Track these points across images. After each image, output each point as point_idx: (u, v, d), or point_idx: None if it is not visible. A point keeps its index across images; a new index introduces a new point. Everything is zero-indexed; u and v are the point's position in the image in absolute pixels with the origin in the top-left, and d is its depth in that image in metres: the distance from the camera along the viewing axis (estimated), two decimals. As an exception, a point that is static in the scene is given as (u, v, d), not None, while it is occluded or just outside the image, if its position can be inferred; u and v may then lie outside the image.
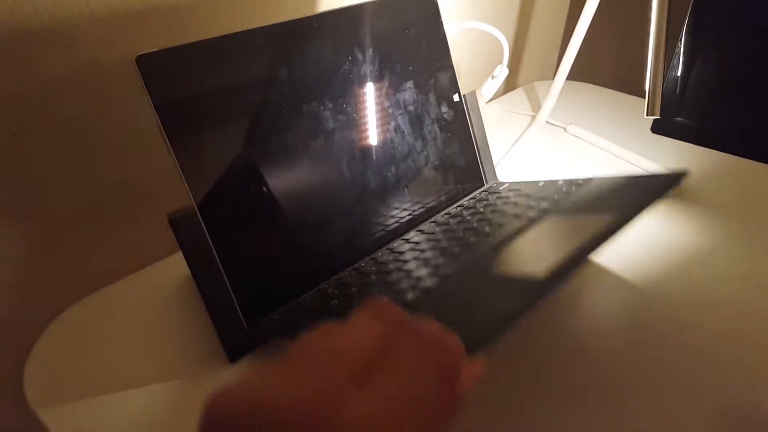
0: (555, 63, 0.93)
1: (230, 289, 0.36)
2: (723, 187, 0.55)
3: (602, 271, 0.45)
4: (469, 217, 0.46)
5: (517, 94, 0.78)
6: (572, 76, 0.65)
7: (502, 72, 0.64)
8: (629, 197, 0.39)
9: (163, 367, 0.37)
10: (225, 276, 0.36)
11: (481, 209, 0.47)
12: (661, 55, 0.43)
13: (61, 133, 0.41)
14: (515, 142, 0.63)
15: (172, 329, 0.40)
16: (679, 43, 0.43)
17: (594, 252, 0.30)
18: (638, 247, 0.47)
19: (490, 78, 0.65)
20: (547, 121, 0.67)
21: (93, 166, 0.43)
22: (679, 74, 0.44)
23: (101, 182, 0.44)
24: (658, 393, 0.35)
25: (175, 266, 0.46)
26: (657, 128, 0.47)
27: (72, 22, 0.38)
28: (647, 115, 0.45)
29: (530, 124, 0.67)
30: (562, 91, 0.68)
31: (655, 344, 0.38)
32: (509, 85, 0.88)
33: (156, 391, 0.35)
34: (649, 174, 0.47)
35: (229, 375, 0.36)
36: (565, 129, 0.66)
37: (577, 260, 0.29)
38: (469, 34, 0.70)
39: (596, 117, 0.68)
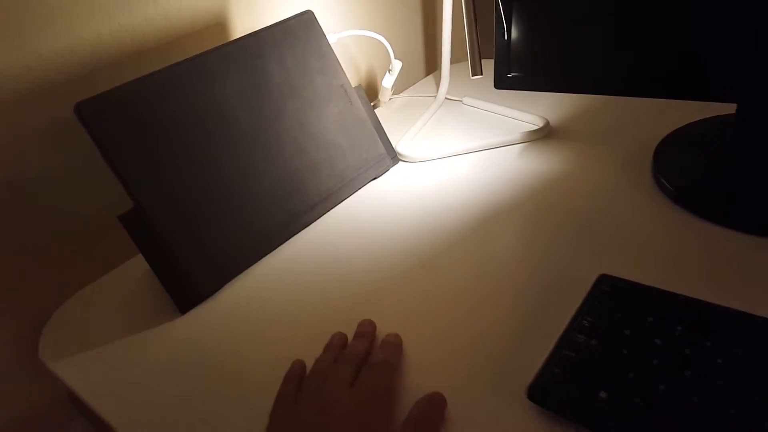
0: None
1: (177, 260, 0.48)
2: (579, 124, 0.67)
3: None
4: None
5: (427, 81, 0.90)
6: (462, 57, 0.77)
7: (395, 65, 0.75)
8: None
9: (141, 325, 0.48)
10: (170, 252, 0.48)
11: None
12: (473, 25, 0.55)
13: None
14: (422, 119, 0.74)
15: (147, 306, 0.51)
16: (498, 9, 0.55)
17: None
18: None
19: (387, 72, 0.76)
20: (446, 98, 0.79)
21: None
22: (505, 36, 0.56)
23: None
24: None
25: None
26: (498, 84, 0.58)
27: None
28: (472, 77, 0.57)
29: (433, 102, 0.78)
30: (456, 70, 0.79)
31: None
32: (430, 72, 1.00)
33: (136, 340, 0.47)
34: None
35: (181, 323, 0.48)
36: (461, 101, 0.78)
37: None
38: (364, 41, 0.82)
39: (485, 88, 0.79)
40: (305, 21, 0.60)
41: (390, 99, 0.82)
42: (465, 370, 0.39)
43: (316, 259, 0.53)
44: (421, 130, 0.73)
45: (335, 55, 0.62)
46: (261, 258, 0.54)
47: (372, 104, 0.84)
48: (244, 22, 0.67)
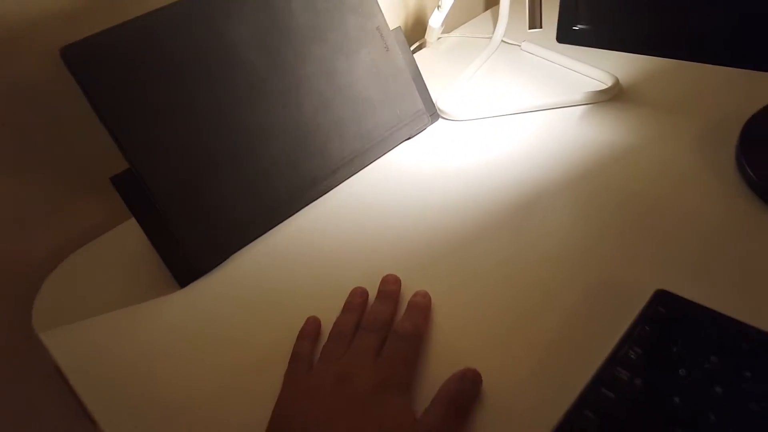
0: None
1: (175, 230, 0.44)
2: (653, 88, 0.56)
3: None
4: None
5: (484, 17, 0.79)
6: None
7: (445, 1, 0.65)
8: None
9: (136, 297, 0.45)
10: (167, 221, 0.43)
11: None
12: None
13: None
14: (471, 67, 0.65)
15: (142, 271, 0.48)
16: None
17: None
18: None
19: (436, 9, 0.67)
20: (503, 41, 0.69)
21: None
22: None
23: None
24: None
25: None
26: (561, 37, 0.48)
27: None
28: (529, 29, 0.47)
29: (486, 45, 0.68)
30: (518, 11, 0.68)
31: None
32: (490, 6, 0.88)
33: (131, 311, 0.44)
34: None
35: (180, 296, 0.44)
36: (520, 46, 0.68)
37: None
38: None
39: (548, 33, 0.68)
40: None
41: (439, 39, 0.73)
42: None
43: (334, 229, 0.47)
44: (469, 80, 0.64)
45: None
46: (273, 227, 0.49)
47: (418, 44, 0.74)
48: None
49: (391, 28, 0.54)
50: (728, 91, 0.54)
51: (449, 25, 0.77)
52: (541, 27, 0.47)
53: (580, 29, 0.48)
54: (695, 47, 0.44)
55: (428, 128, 0.58)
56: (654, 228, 0.42)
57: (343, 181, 0.53)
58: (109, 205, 0.56)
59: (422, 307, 0.38)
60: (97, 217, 0.55)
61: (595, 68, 0.59)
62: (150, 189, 0.43)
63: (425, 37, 0.72)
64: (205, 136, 0.45)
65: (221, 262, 0.46)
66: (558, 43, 0.51)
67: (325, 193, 0.52)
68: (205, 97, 0.44)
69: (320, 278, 0.43)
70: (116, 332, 0.42)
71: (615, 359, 0.32)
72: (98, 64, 0.40)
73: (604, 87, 0.56)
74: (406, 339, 0.35)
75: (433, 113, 0.58)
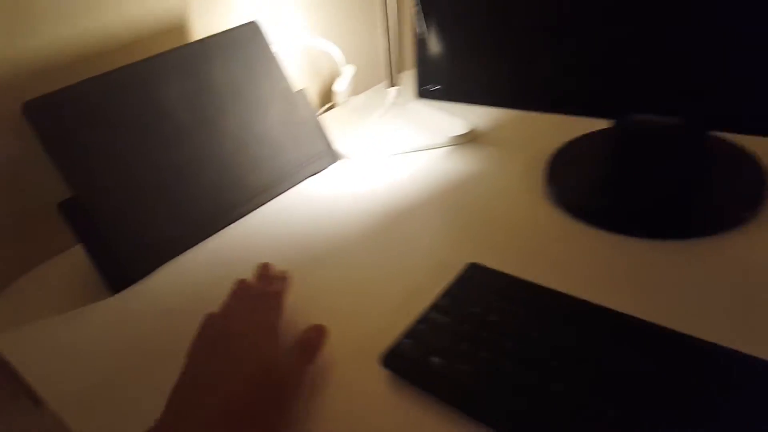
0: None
1: (108, 243, 0.56)
2: (499, 131, 0.74)
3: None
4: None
5: (383, 85, 0.97)
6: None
7: (345, 71, 0.83)
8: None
9: (76, 306, 0.56)
10: (102, 235, 0.55)
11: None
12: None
13: None
14: (368, 121, 0.81)
15: (84, 289, 0.59)
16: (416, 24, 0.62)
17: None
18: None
19: (339, 77, 0.84)
20: (394, 102, 0.86)
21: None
22: (425, 52, 0.63)
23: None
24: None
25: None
26: (420, 95, 0.65)
27: None
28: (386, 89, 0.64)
29: (381, 106, 0.85)
30: (407, 77, 0.86)
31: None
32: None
33: (70, 317, 0.54)
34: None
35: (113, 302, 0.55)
36: (406, 105, 0.85)
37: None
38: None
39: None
40: (251, 30, 0.67)
41: (345, 101, 0.89)
42: (340, 341, 0.46)
43: (246, 248, 0.60)
44: (365, 130, 0.80)
45: (279, 62, 0.69)
46: (194, 245, 0.61)
47: (330, 105, 0.91)
48: (204, 26, 0.74)
49: (296, 90, 0.70)
50: (547, 130, 0.71)
51: (358, 89, 0.94)
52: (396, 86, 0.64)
53: (433, 89, 0.65)
54: (520, 99, 0.62)
55: (331, 167, 0.73)
56: (483, 228, 0.57)
57: (258, 207, 0.66)
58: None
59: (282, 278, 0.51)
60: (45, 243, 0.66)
61: (460, 119, 0.76)
62: (90, 212, 0.55)
63: (333, 99, 0.89)
64: (140, 171, 0.58)
65: (150, 272, 0.58)
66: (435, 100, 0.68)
67: (243, 216, 0.65)
68: (140, 142, 0.58)
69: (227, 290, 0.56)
70: (56, 331, 0.53)
71: (430, 307, 0.45)
72: (51, 115, 0.54)
73: (463, 133, 0.73)
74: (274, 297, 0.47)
75: (334, 155, 0.73)
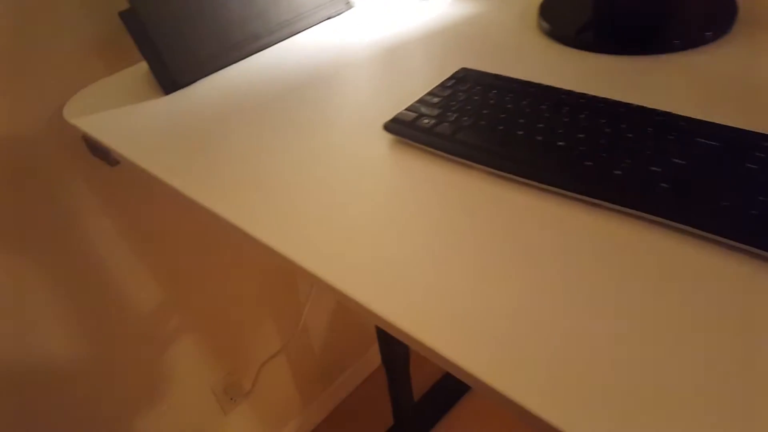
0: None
1: (162, 52, 0.64)
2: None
3: (399, 35, 0.70)
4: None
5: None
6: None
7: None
8: None
9: (134, 98, 0.65)
10: (157, 45, 0.64)
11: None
12: None
13: None
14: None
15: (145, 88, 0.68)
16: None
17: None
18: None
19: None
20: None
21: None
22: None
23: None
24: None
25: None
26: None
27: None
28: None
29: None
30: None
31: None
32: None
33: (129, 107, 0.64)
34: None
35: (163, 101, 0.64)
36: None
37: None
38: None
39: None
40: None
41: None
42: (336, 110, 0.55)
43: (266, 75, 0.68)
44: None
45: None
46: (225, 66, 0.70)
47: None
48: None
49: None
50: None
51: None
52: None
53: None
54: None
55: (345, 13, 0.79)
56: (478, 59, 0.64)
57: (277, 43, 0.73)
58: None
59: None
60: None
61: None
62: (144, 24, 0.63)
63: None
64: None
65: (194, 81, 0.67)
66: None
67: (264, 49, 0.72)
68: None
69: (257, 103, 0.64)
70: (126, 115, 0.63)
71: (431, 92, 0.54)
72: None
73: (468, -19, 0.78)
74: None
75: (347, 2, 0.80)
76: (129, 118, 0.62)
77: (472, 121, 0.49)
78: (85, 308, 0.89)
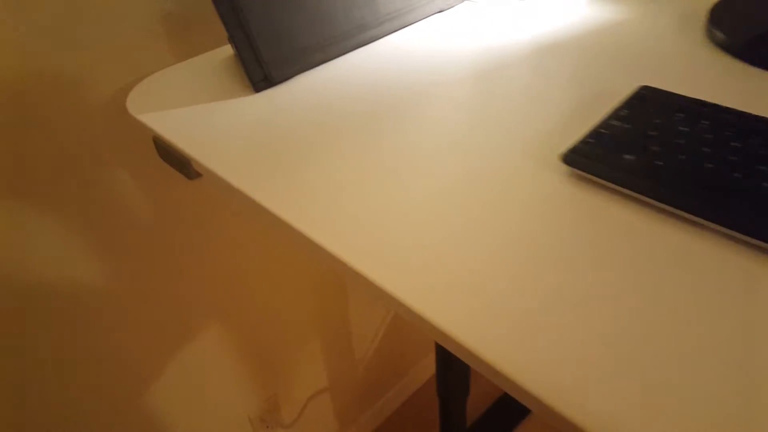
0: None
1: (256, 39, 0.53)
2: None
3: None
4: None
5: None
6: None
7: None
8: None
9: (214, 96, 0.54)
10: (250, 31, 0.53)
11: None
12: None
13: None
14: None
15: (228, 81, 0.57)
16: None
17: None
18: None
19: None
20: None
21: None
22: None
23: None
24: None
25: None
26: None
27: None
28: None
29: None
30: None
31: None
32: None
33: (210, 106, 0.53)
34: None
35: (255, 99, 0.53)
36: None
37: None
38: None
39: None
40: None
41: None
42: (504, 139, 0.43)
43: (371, 74, 0.57)
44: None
45: None
46: (326, 61, 0.58)
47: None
48: None
49: None
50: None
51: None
52: None
53: None
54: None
55: (458, 6, 0.68)
56: (642, 65, 0.52)
57: (386, 36, 0.62)
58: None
59: None
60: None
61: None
62: (243, 10, 0.52)
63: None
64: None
65: (290, 78, 0.56)
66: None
67: (371, 42, 0.61)
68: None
69: (358, 103, 0.53)
70: (200, 115, 0.52)
71: (609, 117, 0.42)
72: None
73: (606, -21, 0.66)
74: None
75: (461, -6, 0.68)
76: (212, 122, 0.51)
77: (672, 155, 0.38)
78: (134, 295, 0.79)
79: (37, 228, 0.64)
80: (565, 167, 0.40)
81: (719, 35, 0.54)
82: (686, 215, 0.35)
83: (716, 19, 0.56)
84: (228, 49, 0.64)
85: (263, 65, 0.54)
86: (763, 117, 0.40)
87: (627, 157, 0.38)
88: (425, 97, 0.51)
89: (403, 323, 1.33)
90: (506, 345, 0.29)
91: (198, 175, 0.49)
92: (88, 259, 0.70)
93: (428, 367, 1.50)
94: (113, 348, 0.79)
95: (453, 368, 1.03)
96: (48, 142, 0.61)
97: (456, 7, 0.68)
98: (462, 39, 0.61)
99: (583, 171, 0.39)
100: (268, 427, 1.07)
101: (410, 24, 0.64)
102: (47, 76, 0.58)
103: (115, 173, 0.68)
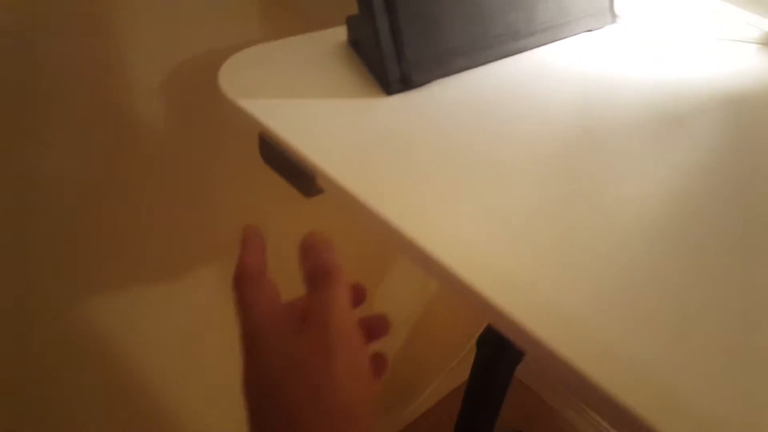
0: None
1: (401, 31, 0.43)
2: None
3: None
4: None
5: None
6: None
7: None
8: None
9: (332, 92, 0.44)
10: (397, 22, 0.43)
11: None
12: None
13: None
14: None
15: (344, 74, 0.47)
16: None
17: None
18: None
19: None
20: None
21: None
22: None
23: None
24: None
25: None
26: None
27: None
28: None
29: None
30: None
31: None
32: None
33: (331, 103, 0.43)
34: None
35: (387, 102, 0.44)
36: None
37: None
38: None
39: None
40: None
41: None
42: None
43: (517, 88, 0.47)
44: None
45: None
46: (477, 66, 0.49)
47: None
48: None
49: None
50: None
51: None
52: None
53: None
54: None
55: (606, 26, 0.58)
56: None
57: (534, 48, 0.53)
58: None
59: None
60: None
61: None
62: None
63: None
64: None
65: (429, 82, 0.46)
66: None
67: (518, 53, 0.51)
68: None
69: (500, 120, 0.43)
70: (321, 116, 0.42)
71: None
72: None
73: None
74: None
75: (613, 15, 0.59)
76: (339, 127, 0.41)
77: None
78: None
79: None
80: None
81: None
82: None
83: None
84: (334, 33, 0.54)
85: (404, 64, 0.44)
86: None
87: None
88: (589, 136, 0.41)
89: (415, 348, 1.23)
90: None
91: (319, 192, 0.38)
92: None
93: (431, 396, 1.41)
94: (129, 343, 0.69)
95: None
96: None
97: (605, 27, 0.58)
98: (619, 66, 0.51)
99: None
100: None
101: (560, 39, 0.54)
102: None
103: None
